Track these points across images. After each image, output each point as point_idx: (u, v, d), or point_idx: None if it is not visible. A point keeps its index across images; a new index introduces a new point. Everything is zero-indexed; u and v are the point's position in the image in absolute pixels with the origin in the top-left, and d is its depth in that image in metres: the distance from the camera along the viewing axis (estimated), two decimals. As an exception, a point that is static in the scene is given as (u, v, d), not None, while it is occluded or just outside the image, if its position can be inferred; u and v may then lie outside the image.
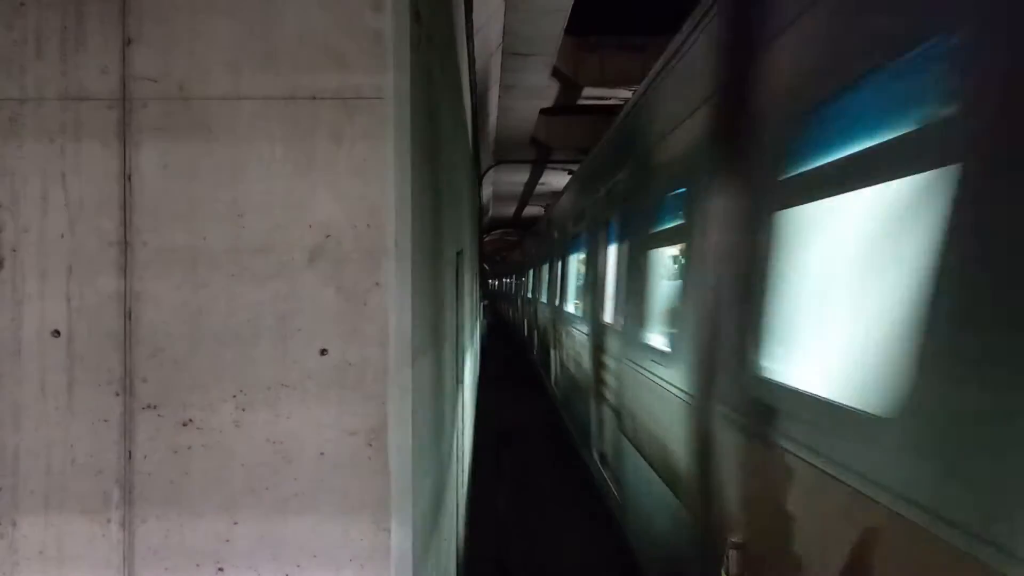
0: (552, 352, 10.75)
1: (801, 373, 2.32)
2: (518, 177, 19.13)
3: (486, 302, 21.74)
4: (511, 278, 29.22)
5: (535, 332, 14.71)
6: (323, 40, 1.81)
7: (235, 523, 1.81)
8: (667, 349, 3.95)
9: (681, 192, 3.84)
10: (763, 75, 2.78)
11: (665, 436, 3.95)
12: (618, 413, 5.41)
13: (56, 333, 1.81)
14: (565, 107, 13.23)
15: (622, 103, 8.21)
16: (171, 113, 1.81)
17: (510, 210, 27.29)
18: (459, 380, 4.70)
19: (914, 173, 1.79)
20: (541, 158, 16.33)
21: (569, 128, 15.00)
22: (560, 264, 10.21)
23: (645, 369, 4.42)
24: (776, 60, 2.66)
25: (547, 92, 12.01)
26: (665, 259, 4.38)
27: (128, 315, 1.81)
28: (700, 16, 3.73)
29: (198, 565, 1.81)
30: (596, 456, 6.43)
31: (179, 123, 1.81)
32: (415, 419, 1.93)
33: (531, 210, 25.87)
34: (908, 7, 1.89)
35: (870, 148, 1.97)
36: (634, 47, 11.47)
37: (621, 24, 11.70)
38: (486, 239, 28.69)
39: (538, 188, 20.69)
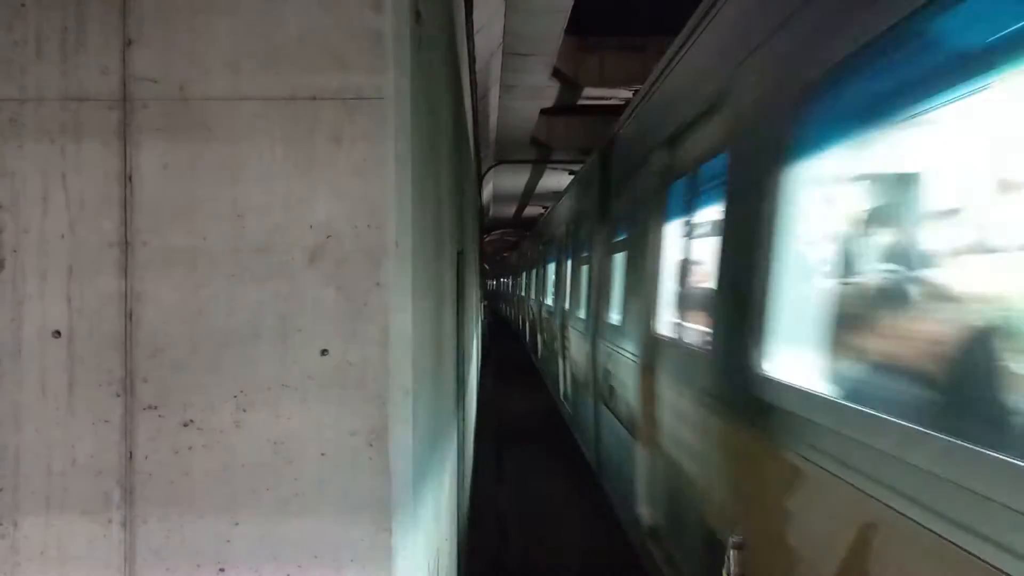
0: (539, 336, 14.57)
1: (614, 317, 5.74)
2: (518, 177, 19.13)
3: (485, 303, 21.76)
4: (508, 278, 34.94)
5: (527, 324, 18.89)
6: (323, 40, 1.81)
7: (236, 523, 1.81)
8: (583, 317, 7.66)
9: (587, 238, 7.73)
10: (612, 202, 6.27)
11: (583, 360, 7.45)
12: (571, 361, 8.86)
13: (57, 334, 1.81)
14: (565, 107, 13.22)
15: (622, 103, 8.30)
16: (171, 113, 1.82)
17: (510, 210, 27.29)
18: (460, 380, 4.70)
19: (621, 252, 5.67)
20: (541, 158, 16.34)
21: (569, 128, 15.01)
22: (542, 271, 14.70)
23: (577, 329, 8.26)
24: (612, 202, 6.24)
25: (547, 92, 12.01)
26: (583, 272, 8.08)
27: (129, 315, 1.81)
28: (591, 159, 7.94)
29: (199, 565, 1.81)
30: (562, 396, 9.84)
31: (179, 123, 1.82)
32: (416, 419, 1.93)
33: (531, 210, 25.87)
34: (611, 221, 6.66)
35: (624, 238, 5.57)
36: (634, 47, 11.46)
37: (621, 24, 11.69)
38: (486, 239, 28.69)
39: (538, 188, 20.68)
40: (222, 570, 1.81)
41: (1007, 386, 1.62)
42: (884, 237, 2.26)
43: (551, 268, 12.26)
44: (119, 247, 1.81)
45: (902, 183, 2.20)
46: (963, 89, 1.76)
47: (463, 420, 5.25)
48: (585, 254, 7.82)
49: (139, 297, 1.81)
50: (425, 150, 2.32)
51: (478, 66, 7.18)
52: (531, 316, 17.20)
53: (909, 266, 2.10)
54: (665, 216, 4.24)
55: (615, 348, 5.51)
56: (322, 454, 1.81)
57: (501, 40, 8.78)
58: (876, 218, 2.27)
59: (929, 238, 2.10)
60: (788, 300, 2.42)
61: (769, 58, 2.67)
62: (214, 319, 1.81)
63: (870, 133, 2.20)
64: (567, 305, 9.31)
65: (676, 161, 4.08)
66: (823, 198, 2.40)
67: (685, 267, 3.87)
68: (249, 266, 1.81)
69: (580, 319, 7.87)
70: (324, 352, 1.81)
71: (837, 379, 2.18)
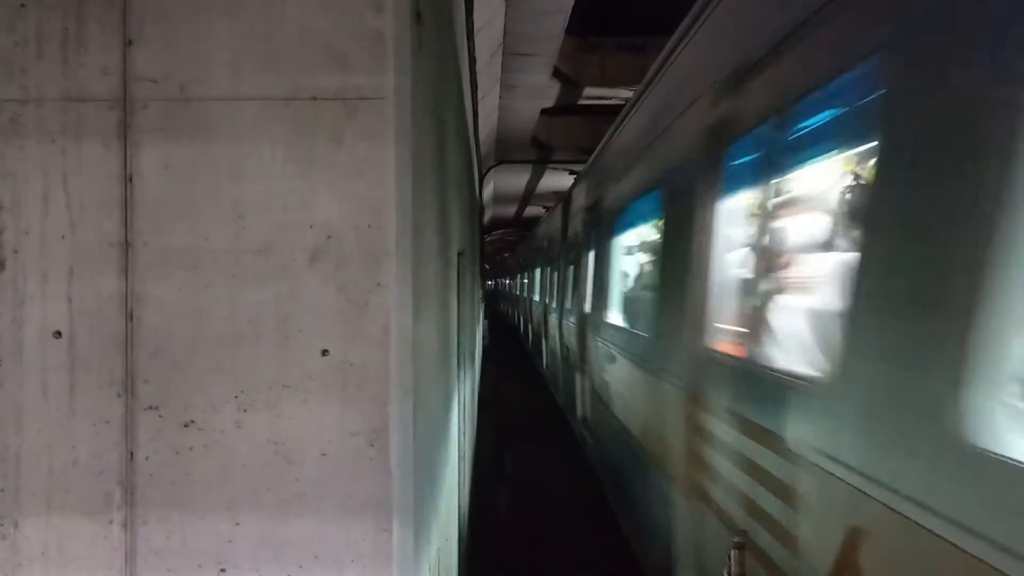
0: (529, 325, 18.75)
1: (569, 304, 9.27)
2: (519, 177, 19.13)
3: (484, 302, 21.83)
4: (507, 279, 38.38)
5: (521, 319, 22.85)
6: (324, 40, 1.81)
7: (237, 524, 1.81)
8: (555, 307, 11.13)
9: (556, 254, 11.72)
10: (568, 232, 10.10)
11: (555, 336, 10.95)
12: (549, 339, 12.34)
13: (57, 334, 1.81)
14: (566, 107, 13.22)
15: (622, 103, 8.31)
16: (172, 114, 1.82)
17: (511, 210, 27.29)
18: (460, 380, 4.70)
19: (572, 266, 9.50)
20: (542, 158, 16.34)
21: (570, 128, 15.00)
22: (531, 275, 18.95)
23: (552, 316, 11.67)
24: (568, 232, 10.06)
25: (548, 92, 12.01)
26: (555, 277, 11.64)
27: (129, 316, 1.81)
28: (558, 203, 13.03)
29: (200, 566, 1.81)
30: (544, 366, 13.53)
31: (180, 124, 1.82)
32: (416, 419, 1.93)
33: (532, 210, 25.86)
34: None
35: (573, 256, 9.42)
36: (634, 47, 11.47)
37: (621, 24, 11.69)
38: (487, 239, 28.68)
39: (539, 188, 20.68)
40: (223, 570, 1.81)
41: (637, 314, 5.33)
42: (620, 277, 6.61)
43: (536, 273, 17.20)
44: (120, 247, 1.81)
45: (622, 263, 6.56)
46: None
47: (464, 419, 5.25)
48: (556, 265, 11.79)
49: (140, 297, 1.81)
50: (426, 150, 2.32)
51: (478, 66, 7.18)
52: (524, 312, 21.56)
53: (634, 286, 6.25)
54: (588, 247, 7.76)
55: (570, 323, 9.10)
56: (323, 454, 1.81)
57: (501, 40, 8.79)
58: (617, 271, 6.62)
59: (625, 280, 6.52)
60: (612, 295, 6.49)
61: (606, 201, 6.69)
62: (215, 319, 1.81)
63: (614, 243, 6.54)
64: (547, 300, 13.32)
65: (589, 220, 7.85)
66: (607, 257, 6.73)
67: (592, 278, 7.44)
68: (250, 266, 1.81)
69: (554, 308, 11.69)
70: (325, 352, 1.81)
71: (619, 318, 6.10)
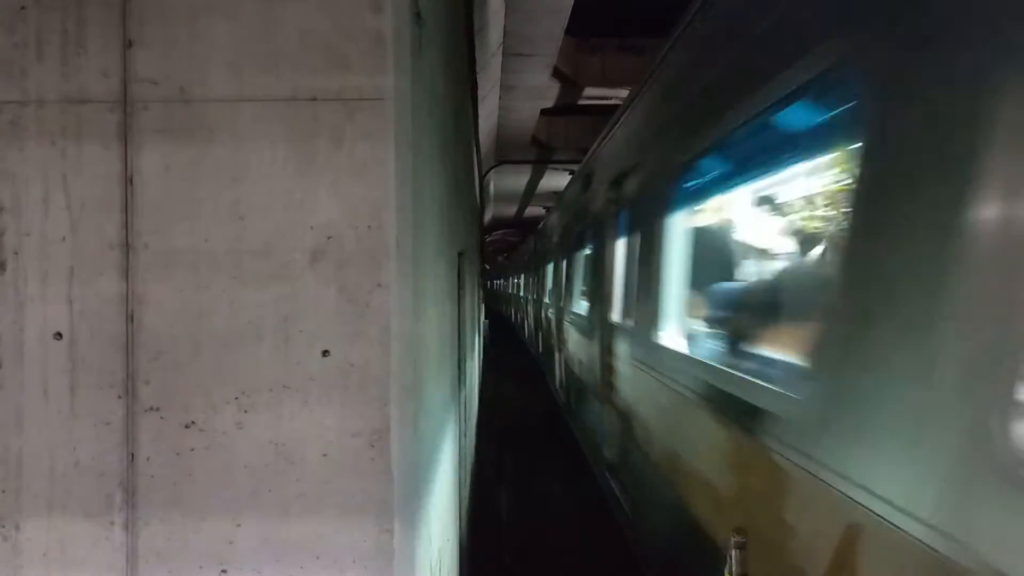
0: (525, 320, 21.80)
1: (544, 299, 14.15)
2: (519, 178, 19.14)
3: (483, 304, 22.01)
4: (507, 279, 40.95)
5: (517, 315, 26.09)
6: (323, 41, 1.81)
7: (238, 525, 1.81)
8: (536, 301, 16.10)
9: (533, 265, 17.82)
10: (539, 251, 16.48)
11: (543, 324, 14.27)
12: (533, 325, 17.29)
13: (58, 336, 1.81)
14: (566, 107, 13.23)
15: (622, 103, 8.32)
16: (172, 115, 1.82)
17: (512, 211, 27.30)
18: (461, 381, 4.70)
19: (543, 274, 15.27)
20: (542, 159, 16.36)
21: (570, 128, 15.03)
22: (522, 278, 22.79)
23: (539, 309, 15.29)
24: (539, 251, 16.42)
25: (548, 92, 12.02)
26: (537, 281, 16.16)
27: (130, 317, 1.81)
28: (532, 233, 21.40)
29: (201, 567, 1.81)
30: (540, 354, 15.45)
31: (180, 125, 1.82)
32: (417, 420, 1.93)
33: (532, 211, 25.88)
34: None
35: (545, 269, 14.72)
36: (634, 48, 11.49)
37: (621, 25, 11.72)
38: (487, 239, 28.72)
39: (539, 188, 20.69)
40: (224, 571, 1.81)
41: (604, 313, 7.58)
42: (548, 280, 13.50)
43: (524, 277, 21.84)
44: (120, 249, 1.81)
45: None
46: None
47: (464, 420, 5.25)
48: (535, 272, 16.15)
49: (140, 299, 1.81)
50: (426, 151, 2.32)
51: (478, 66, 7.18)
52: (520, 308, 25.31)
53: (580, 289, 10.32)
54: (545, 266, 13.55)
55: (546, 313, 12.76)
56: (324, 455, 1.81)
57: (501, 40, 8.80)
58: (548, 278, 13.46)
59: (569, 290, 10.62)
60: (546, 288, 13.79)
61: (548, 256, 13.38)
62: (215, 321, 1.81)
63: (543, 268, 14.39)
64: (536, 296, 16.50)
65: (548, 247, 13.38)
66: (547, 271, 13.81)
67: (539, 281, 14.73)
68: (250, 268, 1.81)
69: (537, 303, 15.44)
70: (326, 353, 1.81)
71: (545, 297, 13.89)
